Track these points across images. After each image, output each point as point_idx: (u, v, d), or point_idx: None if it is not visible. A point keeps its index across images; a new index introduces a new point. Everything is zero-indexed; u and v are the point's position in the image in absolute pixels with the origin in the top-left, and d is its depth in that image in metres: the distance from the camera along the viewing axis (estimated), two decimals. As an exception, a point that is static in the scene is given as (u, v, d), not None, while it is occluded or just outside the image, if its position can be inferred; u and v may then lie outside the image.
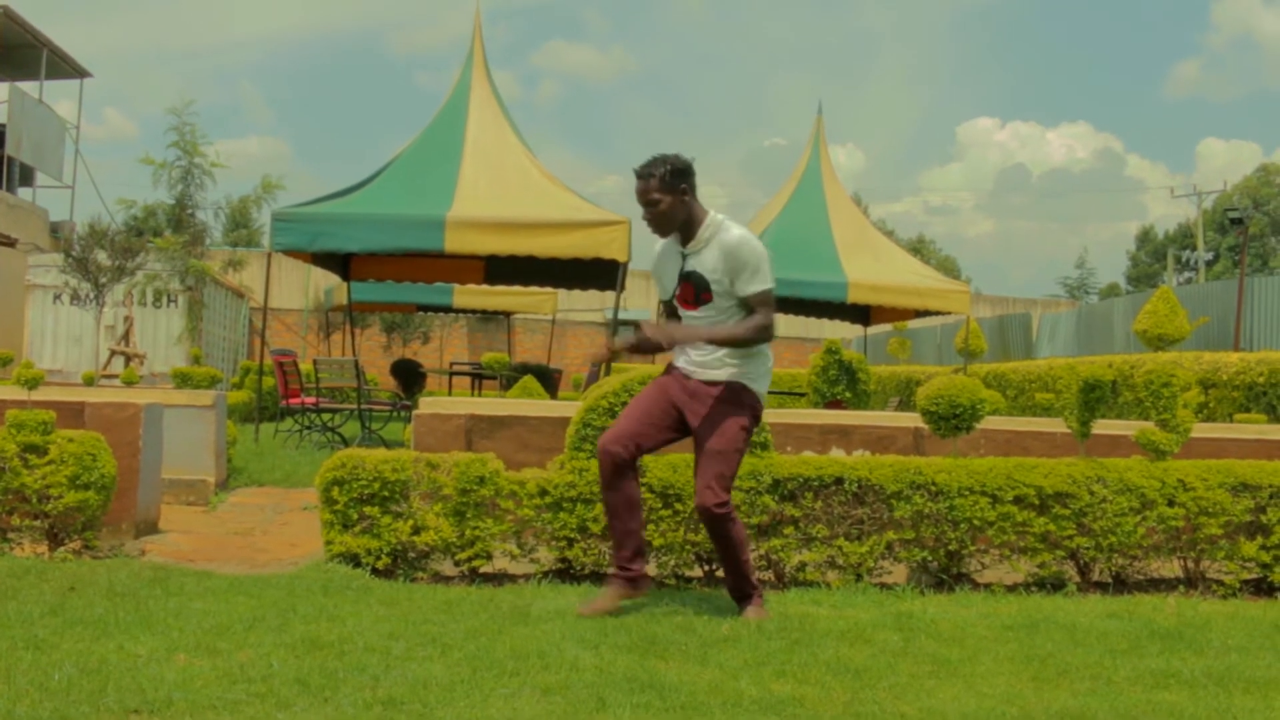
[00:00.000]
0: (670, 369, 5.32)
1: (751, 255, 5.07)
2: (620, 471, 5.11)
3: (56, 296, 23.11)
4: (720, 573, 5.86)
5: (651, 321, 5.21)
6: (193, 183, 20.29)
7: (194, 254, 20.30)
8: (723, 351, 5.15)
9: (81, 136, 29.61)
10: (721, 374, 5.16)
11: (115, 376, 16.61)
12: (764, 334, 5.12)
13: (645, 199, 5.13)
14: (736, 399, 5.14)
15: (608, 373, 14.46)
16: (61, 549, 6.15)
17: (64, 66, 28.01)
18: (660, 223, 5.16)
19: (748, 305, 5.13)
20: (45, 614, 4.61)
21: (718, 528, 5.06)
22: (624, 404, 5.77)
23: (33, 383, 6.65)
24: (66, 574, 5.49)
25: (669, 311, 5.44)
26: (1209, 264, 57.19)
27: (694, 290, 5.17)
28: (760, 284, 5.09)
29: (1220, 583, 6.10)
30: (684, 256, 5.19)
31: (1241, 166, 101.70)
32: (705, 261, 5.12)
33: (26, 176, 28.23)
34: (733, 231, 5.10)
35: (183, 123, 20.08)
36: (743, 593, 5.21)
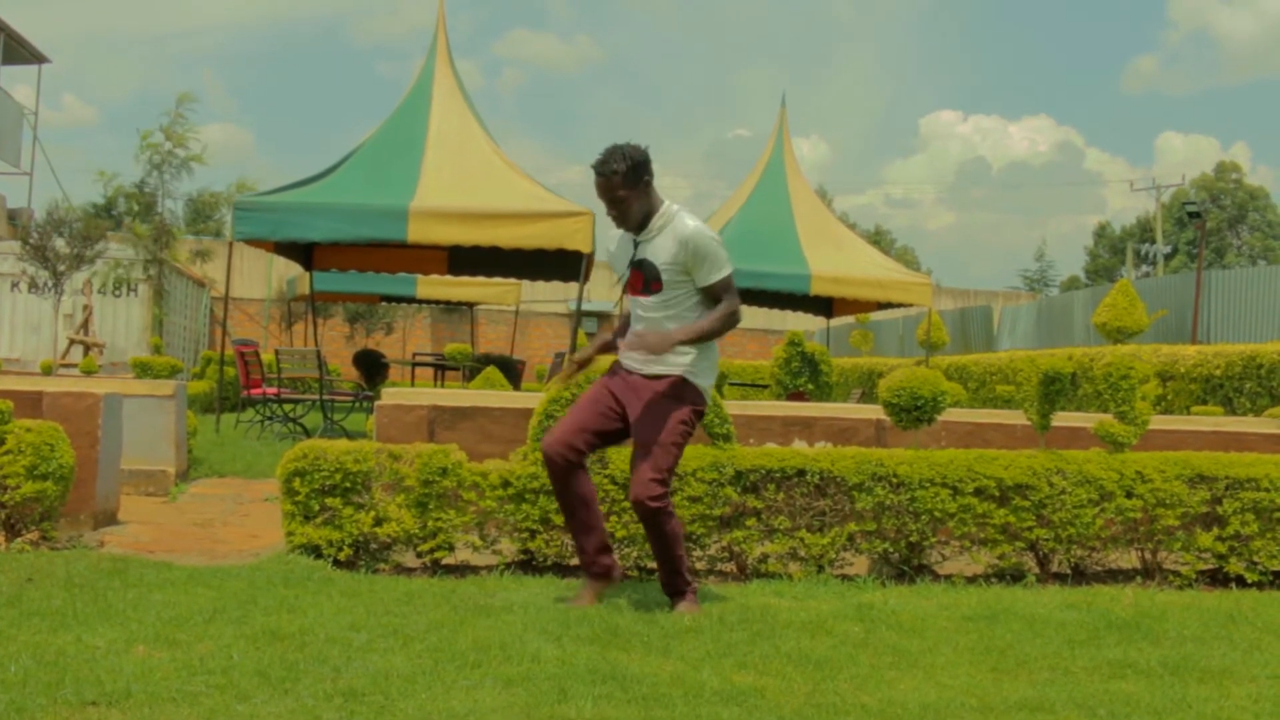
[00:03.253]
0: (615, 368, 5.31)
1: (708, 244, 5.08)
2: (567, 472, 5.10)
3: (14, 284, 22.89)
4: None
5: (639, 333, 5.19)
6: (168, 171, 20.16)
7: (161, 242, 20.17)
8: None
9: (40, 122, 29.25)
10: (665, 368, 5.14)
11: (74, 365, 16.48)
12: (733, 320, 5.16)
13: (610, 196, 5.09)
14: (678, 393, 5.13)
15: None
16: (18, 540, 6.09)
17: (21, 51, 27.67)
18: (625, 218, 5.14)
19: (711, 294, 5.14)
20: (2, 605, 4.57)
21: (653, 521, 5.04)
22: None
23: (-11, 372, 6.58)
24: (24, 565, 5.44)
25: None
26: (1167, 258, 57.73)
27: (643, 279, 5.17)
28: (721, 271, 5.11)
29: (1177, 573, 6.16)
30: (636, 244, 5.18)
31: (1200, 161, 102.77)
32: (657, 250, 5.11)
33: (-18, 163, 27.91)
34: (687, 222, 5.09)
35: (178, 113, 19.99)
36: (675, 588, 5.19)
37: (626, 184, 5.05)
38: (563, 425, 5.19)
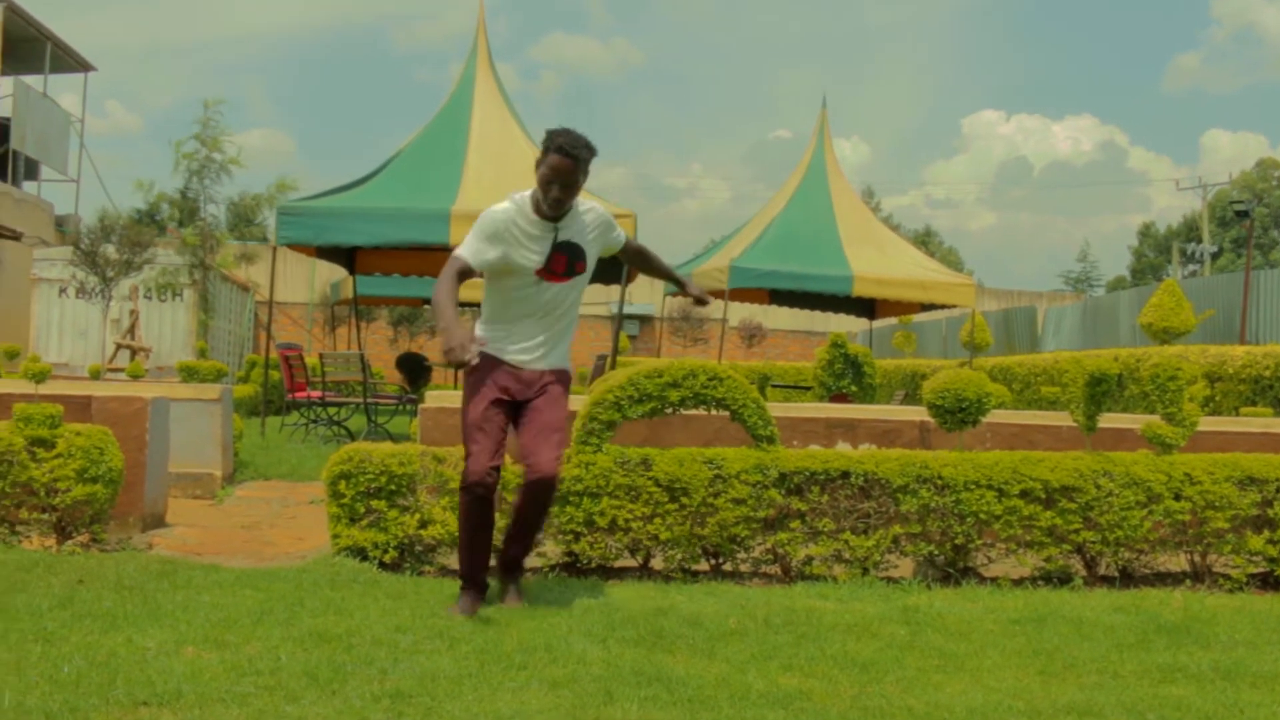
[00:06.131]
0: (491, 366, 5.09)
1: (602, 209, 5.30)
2: (488, 498, 5.01)
3: (62, 290, 23.16)
4: (727, 566, 5.89)
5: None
6: (208, 176, 20.34)
7: (206, 247, 20.35)
8: (545, 341, 5.16)
9: (86, 130, 29.59)
10: (551, 362, 5.19)
11: (121, 370, 16.64)
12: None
13: (570, 180, 4.96)
14: (564, 380, 5.25)
15: (613, 366, 14.47)
16: (69, 542, 6.17)
17: (68, 60, 27.99)
18: (565, 204, 5.02)
19: (632, 249, 5.51)
20: (54, 607, 4.63)
21: (548, 499, 5.13)
22: (630, 398, 5.78)
23: (40, 376, 6.67)
24: (75, 567, 5.51)
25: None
26: (1213, 257, 57.11)
27: (567, 261, 5.10)
28: (620, 229, 5.42)
29: (1227, 576, 6.10)
30: (555, 230, 5.06)
31: (1247, 158, 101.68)
32: (578, 232, 5.14)
33: (31, 170, 28.22)
34: (587, 202, 5.24)
35: (208, 118, 20.15)
36: (520, 568, 5.35)
37: (585, 173, 5.05)
38: (483, 451, 4.98)
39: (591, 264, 5.21)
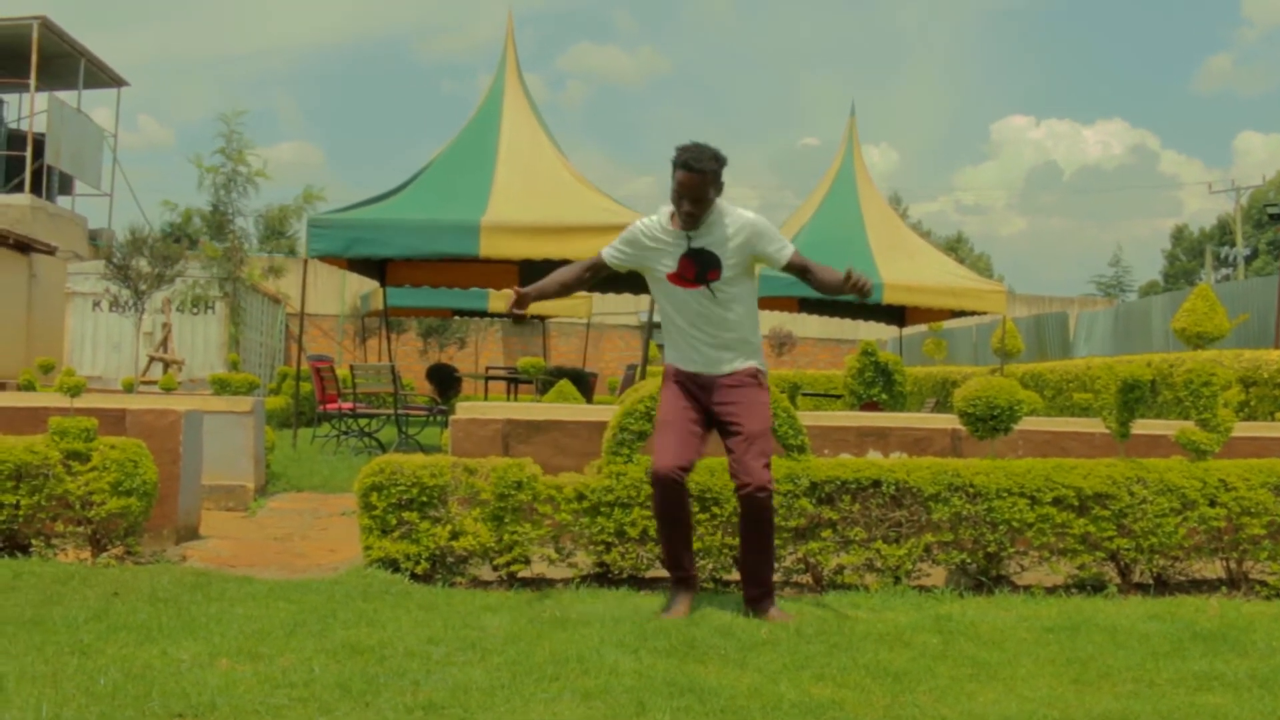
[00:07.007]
0: (676, 376, 5.36)
1: (767, 224, 5.28)
2: (679, 492, 5.20)
3: (95, 303, 23.38)
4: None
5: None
6: (235, 189, 20.45)
7: (235, 260, 20.47)
8: (730, 344, 5.26)
9: (119, 145, 29.83)
10: (737, 364, 5.27)
11: (154, 382, 16.77)
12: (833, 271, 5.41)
13: (696, 194, 5.11)
14: (760, 380, 5.30)
15: (643, 376, 14.47)
16: (104, 555, 6.22)
17: (101, 76, 28.23)
18: (698, 218, 5.17)
19: (798, 266, 5.30)
20: (90, 619, 4.66)
21: (765, 511, 5.15)
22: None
23: (75, 390, 6.72)
24: (110, 579, 5.55)
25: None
26: (1248, 260, 56.64)
27: (696, 268, 5.20)
28: (788, 243, 5.32)
29: (1264, 583, 6.04)
30: (689, 237, 5.21)
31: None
32: (716, 240, 5.20)
33: (65, 185, 28.47)
34: (741, 210, 5.25)
35: (231, 130, 20.26)
36: (767, 587, 5.27)
37: (715, 185, 5.13)
38: (667, 447, 5.20)
39: (735, 270, 5.23)
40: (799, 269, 5.35)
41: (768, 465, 5.16)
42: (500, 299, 21.36)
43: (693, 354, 5.31)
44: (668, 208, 5.30)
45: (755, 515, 5.16)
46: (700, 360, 5.30)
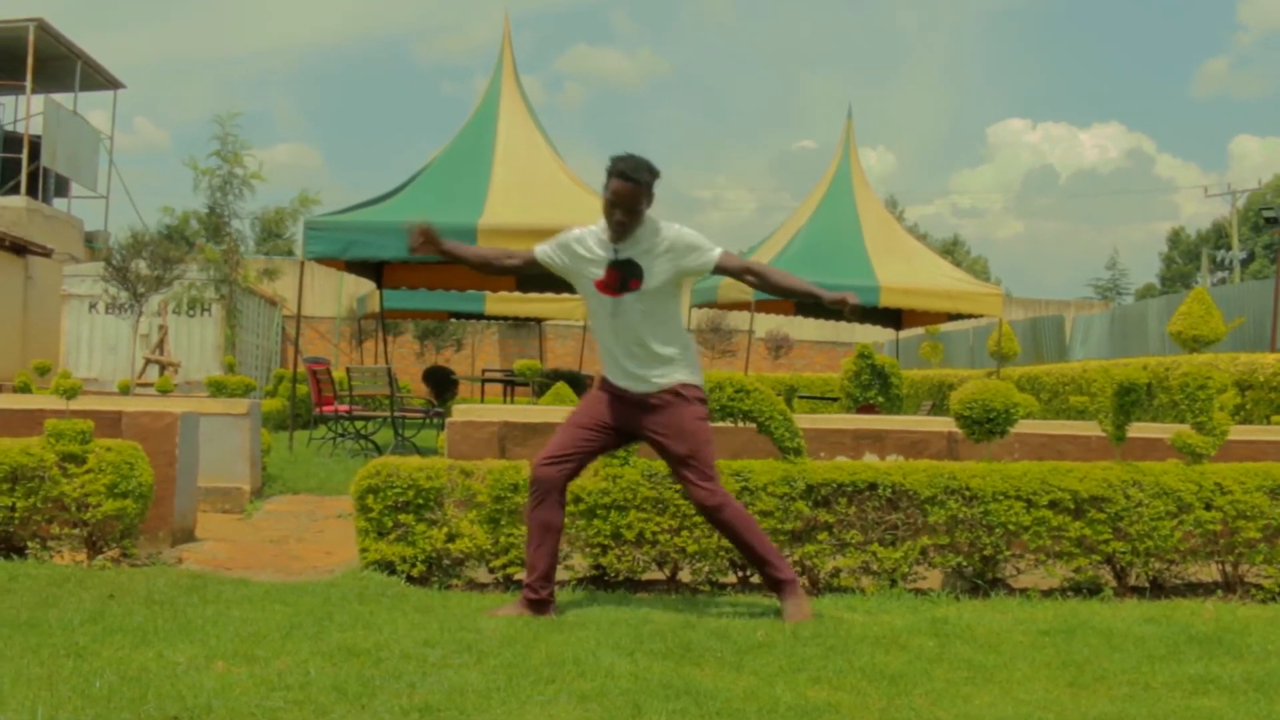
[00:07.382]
0: (602, 385, 5.38)
1: (692, 233, 5.23)
2: (549, 492, 5.20)
3: (92, 305, 23.35)
4: (755, 578, 5.87)
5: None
6: (231, 191, 20.43)
7: (231, 263, 20.45)
8: (653, 358, 5.22)
9: (115, 147, 29.83)
10: (661, 381, 5.22)
11: (150, 385, 16.74)
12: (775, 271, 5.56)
13: (630, 205, 5.09)
14: (682, 396, 5.22)
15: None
16: (100, 557, 6.21)
17: (97, 78, 28.24)
18: (629, 229, 5.16)
19: (728, 269, 5.26)
20: (85, 621, 4.66)
21: (720, 518, 5.19)
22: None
23: (71, 392, 6.72)
24: (105, 582, 5.54)
25: None
26: (1244, 263, 56.71)
27: (620, 277, 5.19)
28: (714, 248, 5.24)
29: (1259, 587, 6.05)
30: (616, 249, 5.21)
31: (1277, 164, 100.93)
32: (642, 251, 5.19)
33: (61, 187, 28.49)
34: (669, 223, 5.22)
35: (226, 133, 20.24)
36: (773, 580, 5.27)
37: (648, 196, 5.14)
38: (549, 444, 5.30)
39: (657, 281, 5.19)
40: (736, 271, 5.30)
41: (709, 479, 5.16)
42: (496, 300, 21.37)
43: (615, 368, 5.30)
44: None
45: (718, 525, 5.26)
46: (624, 376, 5.27)
